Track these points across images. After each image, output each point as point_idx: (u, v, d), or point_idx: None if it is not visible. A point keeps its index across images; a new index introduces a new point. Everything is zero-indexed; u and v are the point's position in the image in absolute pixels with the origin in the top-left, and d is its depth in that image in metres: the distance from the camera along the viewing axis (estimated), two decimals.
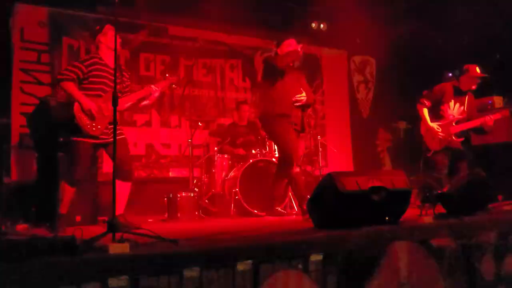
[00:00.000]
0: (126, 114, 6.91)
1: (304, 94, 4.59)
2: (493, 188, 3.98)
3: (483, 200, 3.80)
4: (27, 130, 5.53)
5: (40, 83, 6.28)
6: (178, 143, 7.29)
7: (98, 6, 6.53)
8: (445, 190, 3.78)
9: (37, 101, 5.53)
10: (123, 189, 4.05)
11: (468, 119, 5.12)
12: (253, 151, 6.13)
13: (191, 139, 6.21)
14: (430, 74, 7.42)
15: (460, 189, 3.66)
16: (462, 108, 5.13)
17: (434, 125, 5.08)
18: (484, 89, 6.68)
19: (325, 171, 6.74)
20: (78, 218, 4.68)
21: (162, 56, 7.28)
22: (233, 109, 7.61)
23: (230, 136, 6.54)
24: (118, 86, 4.08)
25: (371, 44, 8.57)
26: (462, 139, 5.10)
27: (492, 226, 3.32)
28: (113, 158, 2.83)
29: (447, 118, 5.11)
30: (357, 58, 9.34)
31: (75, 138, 3.98)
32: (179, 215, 5.48)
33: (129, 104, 4.26)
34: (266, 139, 6.18)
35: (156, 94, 4.29)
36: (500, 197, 5.08)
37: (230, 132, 6.62)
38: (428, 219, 3.28)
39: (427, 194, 3.80)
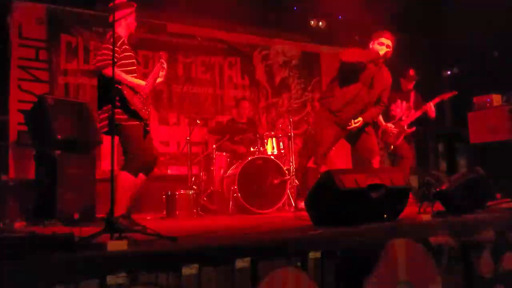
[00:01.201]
0: None
1: (359, 119, 4.43)
2: (492, 186, 3.97)
3: (482, 198, 3.80)
4: (25, 128, 5.52)
5: (38, 80, 6.27)
6: (177, 140, 7.27)
7: (97, 3, 6.51)
8: (444, 187, 3.78)
9: (35, 99, 5.51)
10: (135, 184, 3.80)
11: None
12: (252, 149, 6.12)
13: (189, 137, 6.21)
14: (428, 73, 7.43)
15: (459, 187, 3.65)
16: (407, 104, 5.89)
17: (388, 124, 5.74)
18: (483, 87, 6.73)
19: (324, 169, 6.74)
20: (76, 216, 4.67)
21: (161, 53, 7.25)
22: (231, 107, 7.61)
23: (229, 132, 6.54)
24: (139, 67, 3.97)
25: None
26: (414, 128, 5.79)
27: (491, 224, 3.32)
28: (111, 154, 2.81)
29: (397, 116, 5.86)
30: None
31: (129, 123, 3.59)
32: (177, 212, 5.48)
33: (151, 86, 3.90)
34: (265, 137, 6.17)
35: (164, 71, 4.03)
36: (499, 195, 5.08)
37: (228, 128, 6.62)
38: (426, 217, 3.29)
39: (426, 191, 3.81)
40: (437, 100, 5.71)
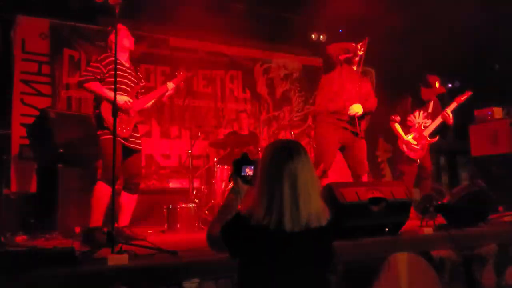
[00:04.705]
0: None
1: (357, 107, 4.60)
2: (494, 199, 3.96)
3: (484, 211, 3.79)
4: (27, 141, 5.53)
5: (40, 94, 6.30)
6: (178, 153, 7.28)
7: (99, 17, 6.56)
8: (445, 201, 3.77)
9: (37, 112, 5.53)
10: (130, 201, 4.00)
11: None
12: None
13: (191, 150, 6.21)
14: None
15: (461, 200, 3.65)
16: (425, 113, 5.34)
17: (409, 138, 5.28)
18: (484, 100, 6.74)
19: (325, 182, 6.73)
20: (77, 229, 4.66)
21: (163, 67, 7.30)
22: (233, 120, 7.63)
23: (230, 145, 6.53)
24: (136, 86, 4.07)
25: (370, 55, 8.59)
26: (436, 138, 5.28)
27: (493, 237, 3.31)
28: (112, 165, 2.82)
29: (414, 127, 5.33)
30: (357, 69, 9.33)
31: (104, 137, 3.85)
32: (178, 226, 5.46)
33: (149, 104, 4.22)
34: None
35: (171, 92, 4.31)
36: (501, 208, 5.07)
37: (229, 141, 6.63)
38: (428, 230, 3.27)
39: (428, 205, 3.79)
40: (453, 105, 5.24)
